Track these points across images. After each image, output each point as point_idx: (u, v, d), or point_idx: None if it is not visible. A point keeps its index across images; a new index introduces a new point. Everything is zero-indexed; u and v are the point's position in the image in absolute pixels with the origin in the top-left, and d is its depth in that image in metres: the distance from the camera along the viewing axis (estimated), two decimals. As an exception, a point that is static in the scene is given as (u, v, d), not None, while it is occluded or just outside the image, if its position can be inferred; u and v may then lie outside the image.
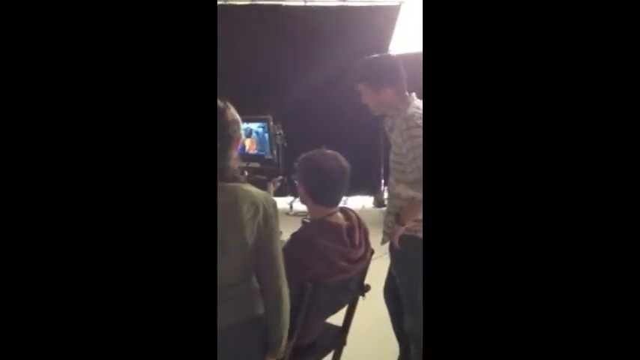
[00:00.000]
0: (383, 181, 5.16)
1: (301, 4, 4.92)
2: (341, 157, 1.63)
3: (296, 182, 1.66)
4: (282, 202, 4.65)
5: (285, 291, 1.35)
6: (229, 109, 1.28)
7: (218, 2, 4.97)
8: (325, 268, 1.52)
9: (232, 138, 1.27)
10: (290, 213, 4.65)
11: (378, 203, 5.26)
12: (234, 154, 1.30)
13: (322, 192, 1.62)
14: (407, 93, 1.84)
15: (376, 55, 1.89)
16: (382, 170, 5.08)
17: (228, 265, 1.21)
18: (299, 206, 4.42)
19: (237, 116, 1.30)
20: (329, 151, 1.64)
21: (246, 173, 2.81)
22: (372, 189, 5.13)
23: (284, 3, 4.94)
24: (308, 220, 1.68)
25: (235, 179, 1.27)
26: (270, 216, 1.29)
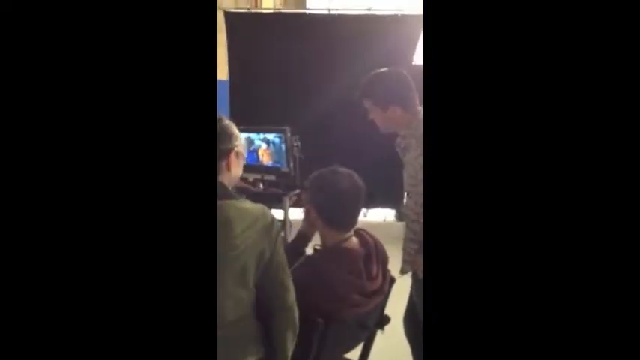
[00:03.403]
0: (405, 195, 5.02)
1: (325, 12, 4.85)
2: (356, 176, 1.47)
3: (306, 204, 1.54)
4: (299, 213, 4.54)
5: (295, 331, 1.20)
6: (222, 121, 1.17)
7: (242, 10, 5.00)
8: (337, 302, 1.35)
9: (223, 152, 1.15)
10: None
11: (400, 217, 5.13)
12: (228, 168, 1.18)
13: (335, 214, 1.45)
14: (419, 108, 1.68)
15: (383, 70, 1.71)
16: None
17: (224, 299, 1.07)
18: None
19: (233, 129, 1.19)
20: (342, 170, 1.48)
21: (261, 186, 2.72)
22: (394, 202, 4.99)
23: (308, 11, 4.90)
24: (319, 247, 1.51)
25: (227, 196, 1.13)
26: (271, 233, 1.13)
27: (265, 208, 1.19)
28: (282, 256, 1.19)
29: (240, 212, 1.11)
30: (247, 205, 1.15)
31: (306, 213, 1.53)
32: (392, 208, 5.05)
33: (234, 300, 1.10)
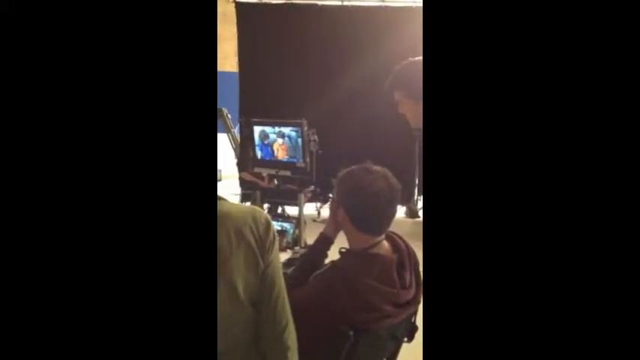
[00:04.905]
0: (417, 191, 4.96)
1: (338, 3, 4.76)
2: (390, 176, 1.33)
3: (332, 202, 1.41)
4: (310, 208, 4.48)
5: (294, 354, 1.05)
6: None
7: (253, 1, 4.91)
8: (368, 313, 1.24)
9: None
10: (317, 220, 4.48)
11: (411, 213, 5.06)
12: None
13: (367, 219, 1.32)
14: None
15: (416, 59, 1.57)
16: (417, 179, 4.87)
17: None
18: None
19: None
20: (376, 168, 1.34)
21: (275, 182, 2.64)
22: (405, 198, 4.91)
23: (320, 2, 4.80)
24: (345, 250, 1.38)
25: None
26: (264, 242, 0.95)
27: (258, 210, 1.01)
28: (278, 268, 1.02)
29: (224, 217, 0.92)
30: (233, 207, 0.96)
31: (333, 214, 1.42)
32: (402, 204, 4.98)
33: (223, 322, 0.90)
